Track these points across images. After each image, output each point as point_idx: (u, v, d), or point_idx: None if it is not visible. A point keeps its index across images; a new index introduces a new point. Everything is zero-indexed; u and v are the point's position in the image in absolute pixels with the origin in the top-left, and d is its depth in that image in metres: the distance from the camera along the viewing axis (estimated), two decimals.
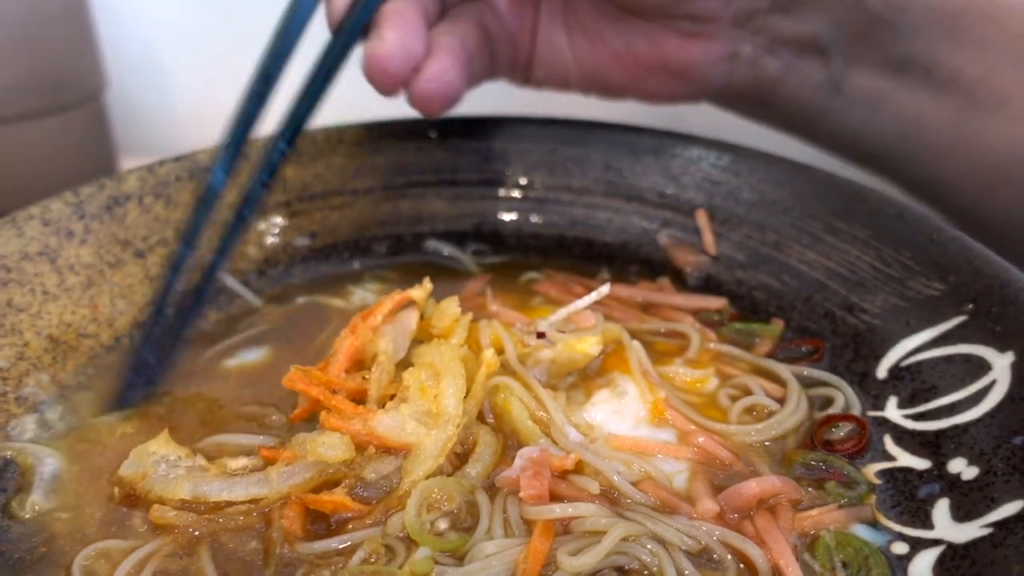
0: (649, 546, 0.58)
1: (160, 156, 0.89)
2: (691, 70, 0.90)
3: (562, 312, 0.75)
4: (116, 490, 0.64)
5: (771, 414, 0.71)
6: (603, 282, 0.79)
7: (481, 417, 0.68)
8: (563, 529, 0.59)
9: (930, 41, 0.87)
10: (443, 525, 0.60)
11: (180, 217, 0.87)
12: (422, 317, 0.75)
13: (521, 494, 0.60)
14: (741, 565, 0.58)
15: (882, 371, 0.73)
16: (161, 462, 0.63)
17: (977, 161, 0.90)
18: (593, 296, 0.76)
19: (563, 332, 0.73)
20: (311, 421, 0.68)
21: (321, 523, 0.61)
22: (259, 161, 0.77)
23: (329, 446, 0.61)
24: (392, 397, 0.67)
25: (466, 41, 0.82)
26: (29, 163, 1.16)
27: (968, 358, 0.67)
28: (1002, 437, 0.61)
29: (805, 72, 0.91)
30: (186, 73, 1.56)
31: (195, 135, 1.17)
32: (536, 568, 0.56)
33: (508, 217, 1.00)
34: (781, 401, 0.73)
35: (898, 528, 0.61)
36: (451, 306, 0.73)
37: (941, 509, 0.60)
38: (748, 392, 0.74)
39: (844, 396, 0.73)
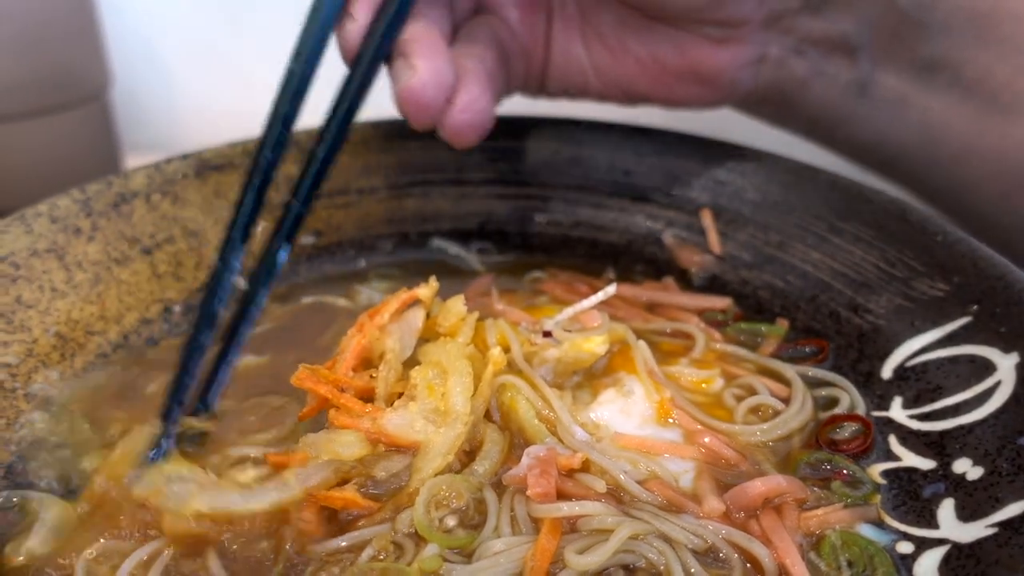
0: (656, 545, 0.58)
1: (165, 153, 0.89)
2: (720, 76, 0.87)
3: (568, 311, 0.75)
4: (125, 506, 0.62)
5: (776, 414, 0.72)
6: (608, 281, 0.79)
7: (488, 416, 0.68)
8: (570, 527, 0.60)
9: (958, 41, 0.85)
10: (451, 522, 0.60)
11: (187, 215, 0.87)
12: (428, 316, 0.75)
13: (528, 492, 0.60)
14: (747, 564, 0.59)
15: (887, 371, 0.73)
16: (175, 480, 0.62)
17: (996, 165, 0.89)
18: (600, 296, 0.76)
19: (569, 331, 0.73)
20: (312, 421, 0.68)
21: (334, 524, 0.61)
22: (275, 227, 0.72)
23: (345, 444, 0.61)
24: (399, 396, 0.67)
25: (487, 63, 0.79)
26: (35, 160, 1.16)
27: (973, 359, 0.67)
28: (1007, 437, 0.61)
29: (832, 73, 0.89)
30: (191, 70, 1.56)
31: (200, 132, 1.18)
32: (544, 566, 0.56)
33: (513, 216, 1.00)
34: (786, 401, 0.73)
35: (903, 528, 0.61)
36: (457, 305, 0.73)
37: (946, 509, 0.60)
38: (753, 392, 0.74)
39: (849, 396, 0.73)
